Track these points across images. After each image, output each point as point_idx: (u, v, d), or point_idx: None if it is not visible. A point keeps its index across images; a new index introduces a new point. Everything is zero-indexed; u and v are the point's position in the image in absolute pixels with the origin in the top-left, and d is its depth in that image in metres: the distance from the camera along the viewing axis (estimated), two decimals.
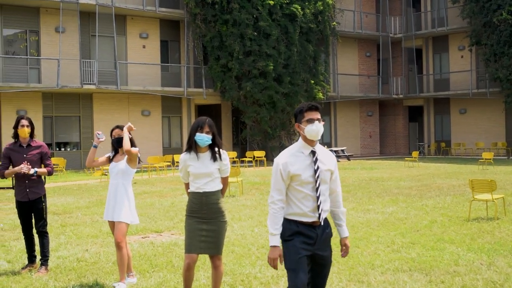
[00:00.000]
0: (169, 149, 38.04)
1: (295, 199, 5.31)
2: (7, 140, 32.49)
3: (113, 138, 8.20)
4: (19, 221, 9.28)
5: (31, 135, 9.05)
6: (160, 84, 37.84)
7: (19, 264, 9.50)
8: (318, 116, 5.32)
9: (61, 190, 22.23)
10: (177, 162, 33.02)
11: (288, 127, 40.06)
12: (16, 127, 8.95)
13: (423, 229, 12.30)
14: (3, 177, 9.03)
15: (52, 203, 17.49)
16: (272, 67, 37.38)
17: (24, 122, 8.93)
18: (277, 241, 5.27)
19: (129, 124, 8.17)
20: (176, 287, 8.00)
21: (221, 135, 40.50)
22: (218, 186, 6.79)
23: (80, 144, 35.43)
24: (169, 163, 31.26)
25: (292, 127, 40.42)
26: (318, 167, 5.31)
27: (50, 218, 14.05)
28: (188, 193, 6.81)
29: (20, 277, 8.59)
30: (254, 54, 37.38)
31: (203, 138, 6.64)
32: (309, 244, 5.26)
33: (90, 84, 34.16)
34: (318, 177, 5.29)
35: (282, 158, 5.36)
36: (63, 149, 34.96)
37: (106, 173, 27.32)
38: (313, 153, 5.34)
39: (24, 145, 9.00)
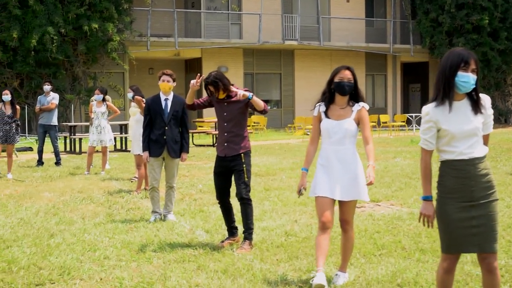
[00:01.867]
0: (372, 109, 35.85)
1: None
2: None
3: (338, 81, 5.84)
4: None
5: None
6: (364, 40, 35.81)
7: (219, 235, 8.02)
8: None
9: (262, 149, 21.02)
10: (384, 122, 31.12)
11: (503, 87, 36.67)
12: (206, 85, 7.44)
13: None
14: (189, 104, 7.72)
15: (254, 163, 16.12)
16: (487, 21, 34.07)
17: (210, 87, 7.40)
18: None
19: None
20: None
21: (428, 96, 37.99)
22: (484, 149, 4.57)
23: (280, 102, 34.37)
24: (374, 124, 29.24)
25: (507, 88, 36.95)
26: None
27: (252, 180, 12.63)
28: (426, 167, 4.65)
29: (220, 254, 7.07)
30: (467, 7, 34.32)
31: (469, 80, 4.43)
32: None
33: (292, 40, 32.82)
34: None
35: None
36: None
37: (308, 133, 25.87)
38: None
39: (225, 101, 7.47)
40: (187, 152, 9.05)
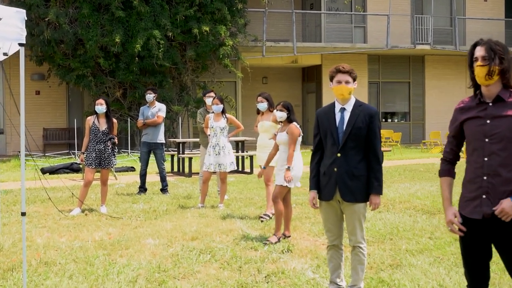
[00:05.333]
0: None
1: None
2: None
3: None
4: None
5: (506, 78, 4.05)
6: (504, 43, 31.52)
7: None
8: None
9: (406, 171, 17.43)
10: None
11: None
12: None
13: None
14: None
15: (411, 192, 12.60)
16: None
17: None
18: None
19: None
20: None
21: None
22: None
23: (409, 115, 30.67)
24: None
25: None
26: None
27: (425, 222, 9.07)
28: None
29: None
30: None
31: None
32: None
33: (423, 44, 29.00)
34: None
35: None
36: (389, 120, 30.40)
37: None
38: None
39: (490, 101, 4.03)
40: (380, 193, 5.41)
